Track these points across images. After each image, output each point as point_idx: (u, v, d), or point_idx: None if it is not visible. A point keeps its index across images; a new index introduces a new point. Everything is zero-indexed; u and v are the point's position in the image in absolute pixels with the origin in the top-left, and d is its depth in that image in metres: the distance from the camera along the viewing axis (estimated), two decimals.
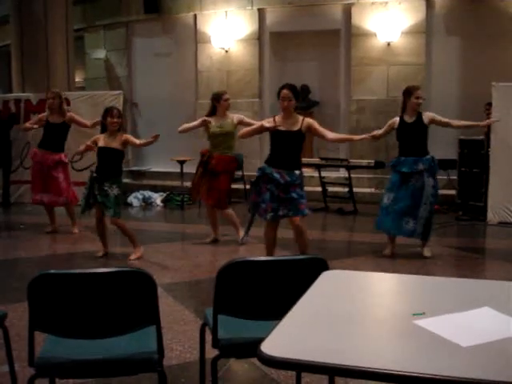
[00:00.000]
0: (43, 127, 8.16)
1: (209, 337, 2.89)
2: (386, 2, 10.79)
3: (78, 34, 12.97)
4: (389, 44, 10.81)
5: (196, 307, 4.88)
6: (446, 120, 6.60)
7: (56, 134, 8.02)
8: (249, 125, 6.89)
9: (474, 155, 9.35)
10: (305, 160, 10.05)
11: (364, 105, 11.12)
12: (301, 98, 11.19)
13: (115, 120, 6.45)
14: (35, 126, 8.27)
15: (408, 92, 6.57)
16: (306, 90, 11.40)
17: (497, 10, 10.52)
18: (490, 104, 8.98)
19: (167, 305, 4.87)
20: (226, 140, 7.21)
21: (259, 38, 11.70)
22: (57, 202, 8.10)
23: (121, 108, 10.48)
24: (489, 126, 8.95)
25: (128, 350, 2.67)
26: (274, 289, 2.72)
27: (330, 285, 2.38)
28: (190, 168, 11.48)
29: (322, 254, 6.36)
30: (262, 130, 5.81)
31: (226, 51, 11.83)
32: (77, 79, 13.19)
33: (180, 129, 7.51)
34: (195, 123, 7.47)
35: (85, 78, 14.29)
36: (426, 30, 10.78)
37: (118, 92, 10.94)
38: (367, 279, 2.63)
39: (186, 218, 10.03)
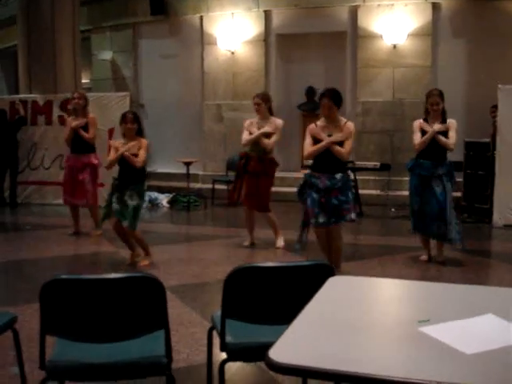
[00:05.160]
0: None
1: (216, 340, 2.92)
2: (392, 4, 10.81)
3: (85, 35, 13.04)
4: (395, 46, 10.84)
5: (203, 309, 4.91)
6: (450, 137, 6.37)
7: (80, 137, 7.99)
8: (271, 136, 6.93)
9: (480, 157, 9.36)
10: (311, 162, 10.11)
11: (370, 107, 11.14)
12: (306, 100, 11.40)
13: (129, 126, 6.24)
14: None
15: (426, 97, 6.51)
16: (311, 91, 11.43)
17: (503, 11, 10.53)
18: (495, 106, 9.01)
19: (174, 307, 4.88)
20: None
21: (265, 39, 11.74)
22: (79, 204, 8.14)
23: (127, 109, 10.57)
24: (494, 128, 9.00)
25: (137, 354, 2.71)
26: (280, 294, 2.76)
27: (337, 291, 2.41)
28: (196, 169, 11.58)
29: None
30: (322, 150, 5.74)
31: (233, 53, 11.87)
32: (83, 80, 13.23)
33: (244, 142, 7.23)
34: (246, 133, 7.18)
35: (91, 79, 14.35)
36: (431, 33, 10.81)
37: (124, 93, 10.99)
38: (373, 285, 2.66)
39: (192, 220, 10.07)
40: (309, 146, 5.85)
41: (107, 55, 13.38)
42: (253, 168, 7.11)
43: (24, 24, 11.57)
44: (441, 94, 6.41)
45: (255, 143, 7.07)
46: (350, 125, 5.79)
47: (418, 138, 6.47)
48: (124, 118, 6.30)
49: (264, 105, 7.12)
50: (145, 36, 13.02)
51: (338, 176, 5.68)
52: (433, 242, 6.76)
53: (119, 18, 12.99)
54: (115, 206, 6.27)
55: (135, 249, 6.63)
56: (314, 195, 5.68)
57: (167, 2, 12.36)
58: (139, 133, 6.39)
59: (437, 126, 6.28)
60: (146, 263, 6.53)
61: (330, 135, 5.73)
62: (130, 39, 13.08)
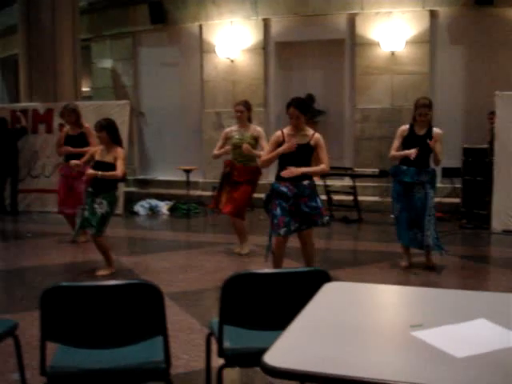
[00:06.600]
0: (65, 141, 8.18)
1: (214, 346, 2.96)
2: (390, 12, 10.88)
3: (85, 43, 13.09)
4: (393, 53, 10.90)
5: (202, 316, 4.95)
6: (438, 151, 6.37)
7: (75, 146, 8.06)
8: (261, 145, 6.97)
9: (478, 163, 9.40)
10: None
11: (368, 113, 11.20)
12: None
13: (98, 134, 6.30)
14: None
15: (414, 105, 6.55)
16: (310, 98, 11.48)
17: (500, 18, 10.59)
18: (493, 113, 9.06)
19: (174, 314, 4.93)
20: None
21: (264, 47, 11.81)
22: (74, 212, 8.10)
23: (127, 118, 10.66)
24: (492, 134, 9.04)
25: (136, 360, 2.76)
26: (277, 300, 2.80)
27: (331, 296, 2.45)
28: (196, 177, 11.63)
29: (326, 262, 6.48)
30: (277, 156, 5.68)
31: (232, 61, 11.93)
32: (83, 88, 13.31)
33: (213, 155, 7.50)
34: (219, 143, 7.38)
35: (92, 87, 14.41)
36: (429, 40, 10.87)
37: (124, 102, 11.06)
38: (367, 291, 2.69)
39: (192, 227, 10.11)
40: (267, 153, 5.85)
41: (107, 63, 13.46)
42: (237, 177, 7.15)
43: (24, 33, 11.65)
44: (430, 104, 6.47)
45: (240, 152, 7.10)
46: (319, 136, 5.70)
47: (395, 145, 6.55)
48: (94, 127, 6.36)
49: (246, 113, 7.22)
50: (145, 44, 13.09)
51: (306, 183, 5.61)
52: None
53: (119, 27, 13.06)
54: (85, 213, 6.29)
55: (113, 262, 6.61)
56: (284, 204, 5.58)
57: (167, 10, 12.43)
58: (115, 141, 6.36)
59: (414, 151, 6.31)
60: (104, 273, 6.43)
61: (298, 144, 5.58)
62: (129, 47, 13.14)
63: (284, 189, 5.59)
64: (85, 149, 7.82)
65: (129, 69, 13.21)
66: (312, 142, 5.64)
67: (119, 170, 6.20)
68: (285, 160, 5.64)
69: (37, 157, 10.95)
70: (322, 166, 5.67)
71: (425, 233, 6.43)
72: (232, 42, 11.82)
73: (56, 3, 11.39)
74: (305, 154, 5.65)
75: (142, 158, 13.17)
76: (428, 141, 6.30)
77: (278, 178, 5.68)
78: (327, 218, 5.84)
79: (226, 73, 12.07)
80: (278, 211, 5.61)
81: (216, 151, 7.38)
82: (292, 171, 5.53)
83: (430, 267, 6.66)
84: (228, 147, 7.28)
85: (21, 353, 3.16)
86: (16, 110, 11.16)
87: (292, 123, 5.68)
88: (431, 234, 6.46)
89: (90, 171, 6.29)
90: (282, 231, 5.62)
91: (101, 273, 6.45)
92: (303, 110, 5.66)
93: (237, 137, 7.18)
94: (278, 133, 5.79)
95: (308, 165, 5.71)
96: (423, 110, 6.39)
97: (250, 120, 7.32)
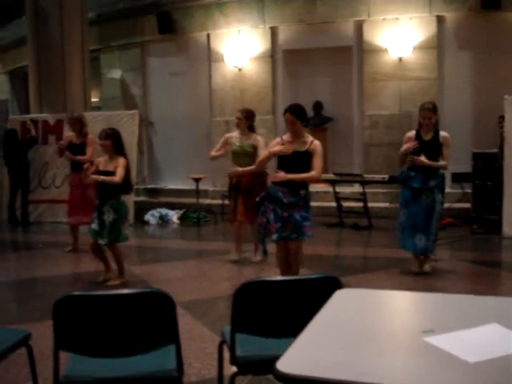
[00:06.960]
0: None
1: (227, 354, 2.97)
2: (397, 18, 10.89)
3: (94, 54, 13.19)
4: (401, 59, 10.91)
5: (213, 324, 4.95)
6: (445, 156, 6.43)
7: (75, 154, 8.16)
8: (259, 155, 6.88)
9: (488, 168, 9.37)
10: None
11: (377, 120, 11.20)
12: (314, 114, 11.45)
13: (101, 142, 6.30)
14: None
15: (419, 110, 6.55)
16: (319, 106, 11.50)
17: (507, 22, 10.58)
18: (503, 117, 9.03)
19: (185, 322, 4.93)
20: (248, 159, 7.11)
21: (272, 55, 11.84)
22: (84, 222, 8.02)
23: (136, 127, 10.71)
24: (502, 139, 9.02)
25: (149, 368, 2.76)
26: (289, 307, 2.80)
27: (343, 303, 2.45)
28: (206, 185, 11.65)
29: (336, 269, 6.46)
30: (271, 156, 5.73)
31: (240, 69, 11.97)
32: (93, 99, 13.38)
33: (210, 156, 7.62)
34: (218, 146, 7.49)
35: (101, 98, 14.49)
36: (437, 45, 10.88)
37: (133, 111, 11.12)
38: (378, 297, 2.69)
39: (203, 235, 10.12)
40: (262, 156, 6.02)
41: (116, 74, 13.52)
42: (245, 185, 7.13)
43: (34, 45, 11.74)
44: (434, 108, 6.44)
45: (242, 161, 7.11)
46: (318, 143, 5.65)
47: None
48: (99, 135, 6.38)
49: (244, 121, 7.24)
50: (153, 54, 13.16)
51: (303, 193, 5.58)
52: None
53: (127, 37, 13.13)
54: (93, 225, 6.30)
55: (110, 268, 6.62)
56: (278, 210, 5.56)
57: (174, 20, 12.49)
58: (119, 151, 6.34)
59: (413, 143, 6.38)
60: (116, 283, 6.44)
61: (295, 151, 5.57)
62: (138, 58, 13.21)
63: (280, 194, 5.56)
64: (86, 157, 7.92)
65: (137, 79, 13.28)
66: (310, 149, 5.59)
67: (118, 175, 6.21)
68: (283, 166, 5.60)
69: (47, 167, 11.02)
70: (313, 173, 5.56)
71: (429, 237, 6.43)
72: (240, 50, 11.87)
73: (64, 14, 11.48)
74: (303, 161, 5.57)
75: (152, 167, 13.21)
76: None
77: (276, 182, 5.66)
78: (312, 231, 5.75)
79: (234, 81, 12.11)
80: (272, 216, 5.59)
81: (213, 153, 7.45)
82: (278, 176, 5.52)
83: (426, 273, 6.65)
84: (228, 147, 7.33)
85: (34, 363, 3.18)
86: (26, 120, 11.23)
87: (288, 128, 5.66)
88: (434, 240, 6.48)
89: (92, 176, 6.32)
90: (274, 237, 5.63)
91: (112, 282, 6.47)
92: (299, 115, 5.59)
93: (237, 144, 7.22)
94: (277, 139, 5.80)
95: (306, 172, 5.61)
96: (427, 113, 6.38)
97: (252, 129, 7.32)
